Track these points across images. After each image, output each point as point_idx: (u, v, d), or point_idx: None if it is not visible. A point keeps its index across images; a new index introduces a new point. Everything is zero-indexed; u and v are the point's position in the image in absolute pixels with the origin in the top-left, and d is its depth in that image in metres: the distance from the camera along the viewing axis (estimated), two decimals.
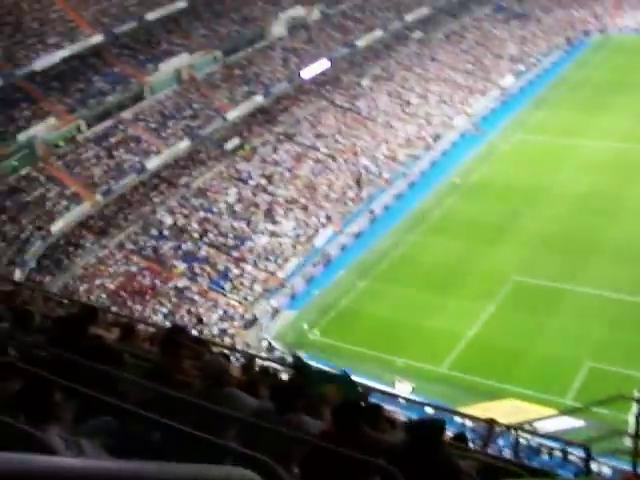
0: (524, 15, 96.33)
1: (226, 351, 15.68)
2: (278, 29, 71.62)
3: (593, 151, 62.78)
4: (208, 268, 49.37)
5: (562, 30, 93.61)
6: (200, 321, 44.76)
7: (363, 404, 9.22)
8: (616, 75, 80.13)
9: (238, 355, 22.43)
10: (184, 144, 57.36)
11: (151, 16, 59.27)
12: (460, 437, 12.51)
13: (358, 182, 59.42)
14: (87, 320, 10.13)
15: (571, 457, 21.69)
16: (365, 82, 75.23)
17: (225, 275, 49.12)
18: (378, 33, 78.66)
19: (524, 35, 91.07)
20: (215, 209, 55.04)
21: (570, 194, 55.67)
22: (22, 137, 49.13)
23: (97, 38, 55.19)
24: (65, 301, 21.70)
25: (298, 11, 73.82)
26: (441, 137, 67.92)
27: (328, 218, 55.26)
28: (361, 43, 76.30)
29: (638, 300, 42.42)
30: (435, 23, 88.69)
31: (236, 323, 45.43)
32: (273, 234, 53.06)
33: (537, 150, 64.31)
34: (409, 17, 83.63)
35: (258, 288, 48.34)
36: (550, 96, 76.62)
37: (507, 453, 17.32)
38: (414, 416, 19.41)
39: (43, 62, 51.38)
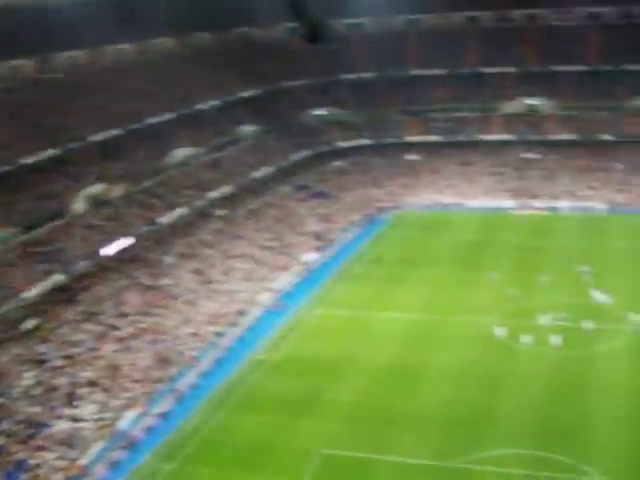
0: (324, 193, 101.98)
1: None
2: (79, 205, 72.11)
3: (392, 322, 66.23)
4: (1, 459, 46.94)
5: (360, 207, 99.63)
6: None
7: None
8: (410, 250, 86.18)
9: None
10: None
11: None
12: None
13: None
14: None
15: None
16: (169, 259, 76.30)
17: (20, 466, 46.77)
18: (182, 210, 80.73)
19: (324, 212, 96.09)
20: (10, 394, 52.85)
21: (372, 365, 58.23)
22: None
23: None
24: None
25: (100, 188, 74.82)
26: (246, 313, 69.33)
27: (132, 399, 54.39)
28: (165, 220, 77.89)
29: (441, 465, 44.69)
30: (238, 201, 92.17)
31: None
32: (73, 418, 51.46)
33: (339, 324, 67.02)
34: (212, 194, 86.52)
35: (59, 478, 46.29)
36: (350, 271, 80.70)
37: None
38: None
39: None
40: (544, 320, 63.44)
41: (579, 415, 49.85)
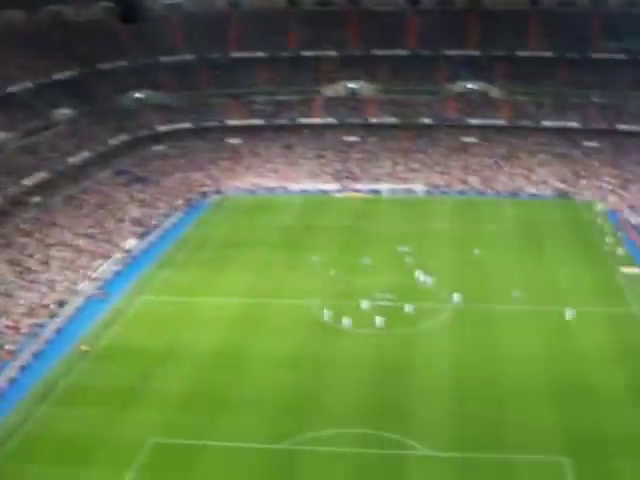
0: (144, 178, 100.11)
1: None
2: None
3: (218, 307, 66.13)
4: None
5: (182, 192, 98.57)
6: None
7: None
8: (234, 234, 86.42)
9: None
10: None
11: None
12: None
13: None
14: None
15: None
16: None
17: None
18: None
19: (145, 198, 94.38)
20: None
21: (200, 352, 57.90)
22: None
23: None
24: None
25: None
26: (67, 303, 67.15)
27: None
28: None
29: (272, 447, 45.12)
30: (55, 187, 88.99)
31: None
32: None
33: (165, 310, 66.13)
34: (27, 181, 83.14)
35: None
36: (173, 256, 79.88)
37: None
38: None
39: None
40: (367, 302, 64.93)
41: (404, 392, 51.53)
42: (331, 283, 70.23)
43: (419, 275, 70.18)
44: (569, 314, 62.33)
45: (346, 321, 61.55)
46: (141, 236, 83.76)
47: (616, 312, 63.75)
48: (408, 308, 63.71)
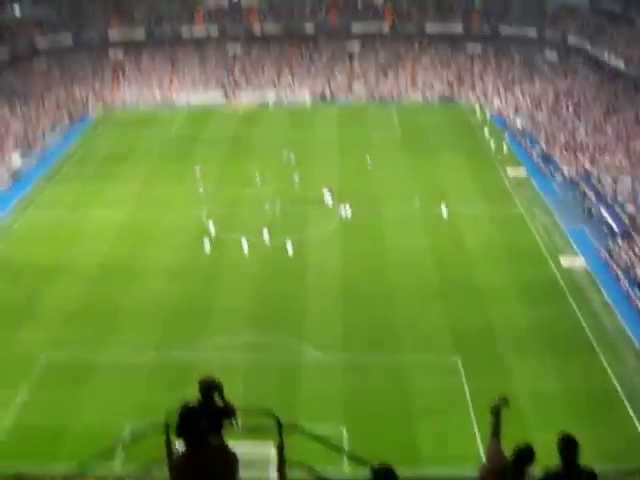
0: (25, 94, 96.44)
1: None
2: None
3: (105, 220, 64.97)
4: None
5: (63, 107, 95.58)
6: None
7: None
8: (119, 147, 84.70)
9: None
10: None
11: None
12: None
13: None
14: None
15: None
16: None
17: None
18: None
19: (27, 113, 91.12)
20: None
21: (87, 265, 56.92)
22: None
23: None
24: None
25: None
26: None
27: None
28: None
29: (162, 356, 45.18)
30: None
31: None
32: None
33: (51, 225, 64.52)
34: None
35: None
36: (58, 171, 78.09)
37: None
38: None
39: None
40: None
41: (295, 297, 52.17)
42: (217, 194, 69.80)
43: (325, 194, 68.04)
44: (445, 212, 63.99)
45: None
46: (24, 152, 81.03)
47: (502, 214, 65.50)
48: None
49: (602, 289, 52.73)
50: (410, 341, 46.60)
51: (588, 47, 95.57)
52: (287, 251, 57.98)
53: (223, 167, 76.91)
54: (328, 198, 67.38)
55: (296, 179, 72.32)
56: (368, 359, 44.93)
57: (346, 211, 65.00)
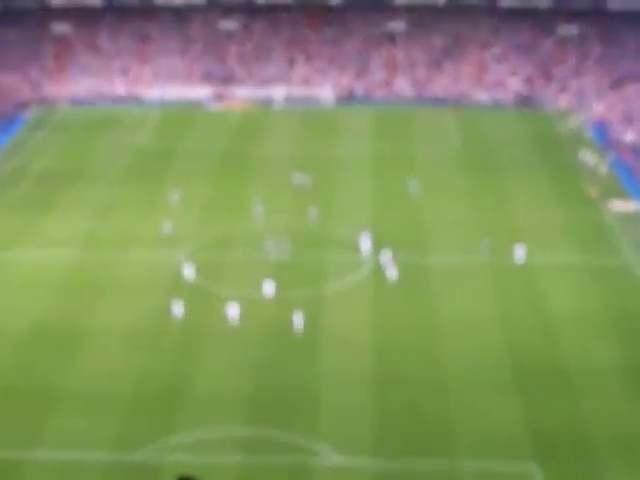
0: None
1: None
2: None
3: (41, 266, 65.21)
4: None
5: None
6: None
7: None
8: (64, 161, 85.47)
9: None
10: None
11: None
12: None
13: None
14: None
15: None
16: None
17: None
18: None
19: None
20: None
21: (17, 328, 57.06)
22: None
23: None
24: None
25: None
26: None
27: None
28: None
29: (120, 459, 45.05)
30: None
31: None
32: None
33: None
34: None
35: None
36: None
37: None
38: None
39: None
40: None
41: (304, 378, 52.00)
42: (199, 227, 70.43)
43: (362, 237, 68.14)
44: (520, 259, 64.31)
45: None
46: None
47: (602, 264, 65.32)
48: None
49: None
50: (469, 445, 46.25)
51: None
52: (297, 315, 57.80)
53: (210, 192, 77.38)
54: (366, 242, 66.90)
55: (312, 212, 72.71)
56: (409, 467, 44.59)
57: (388, 261, 64.39)
